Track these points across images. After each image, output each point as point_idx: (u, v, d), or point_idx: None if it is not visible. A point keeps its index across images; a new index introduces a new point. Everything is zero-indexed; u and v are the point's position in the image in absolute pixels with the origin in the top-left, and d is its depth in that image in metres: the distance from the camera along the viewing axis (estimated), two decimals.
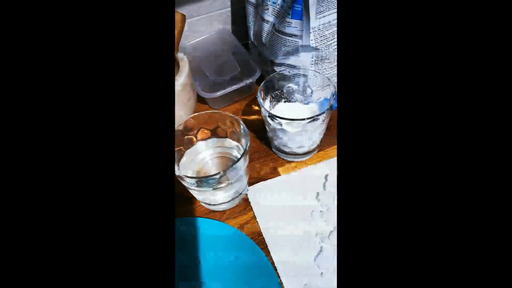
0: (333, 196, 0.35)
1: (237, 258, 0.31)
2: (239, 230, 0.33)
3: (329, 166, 0.38)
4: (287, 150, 0.38)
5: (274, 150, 0.41)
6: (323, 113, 0.33)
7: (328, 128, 0.43)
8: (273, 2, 0.35)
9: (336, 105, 0.44)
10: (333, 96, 0.34)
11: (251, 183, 0.37)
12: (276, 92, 0.39)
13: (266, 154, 0.41)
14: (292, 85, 0.39)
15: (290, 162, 0.40)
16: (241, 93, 0.46)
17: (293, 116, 0.33)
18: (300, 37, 0.35)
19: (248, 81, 0.44)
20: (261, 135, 0.42)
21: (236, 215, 0.36)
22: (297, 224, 0.34)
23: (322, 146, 0.41)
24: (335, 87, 0.35)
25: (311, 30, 0.34)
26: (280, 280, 0.30)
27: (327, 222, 0.34)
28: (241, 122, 0.32)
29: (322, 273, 0.30)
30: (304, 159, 0.39)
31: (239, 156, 0.30)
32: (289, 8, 0.33)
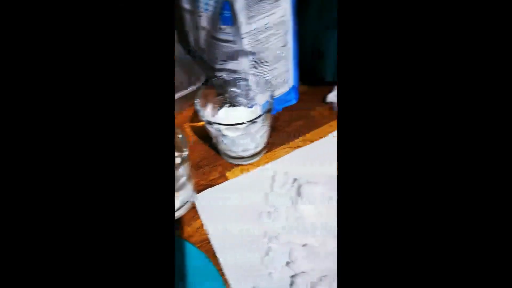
0: (280, 196, 0.36)
1: (181, 265, 0.31)
2: (180, 238, 0.33)
3: (276, 167, 0.39)
4: (232, 154, 0.38)
5: (222, 155, 0.41)
6: (260, 116, 0.33)
7: (275, 129, 0.44)
8: (205, 9, 0.35)
9: (280, 107, 0.45)
10: (271, 98, 0.35)
11: (199, 190, 0.37)
12: (219, 97, 0.39)
13: (214, 160, 0.41)
14: (235, 89, 0.40)
15: (238, 165, 0.40)
16: (187, 100, 0.45)
17: (238, 120, 0.34)
18: (234, 42, 0.36)
19: (193, 88, 0.43)
20: (210, 141, 0.42)
21: (184, 224, 0.35)
22: (245, 227, 0.34)
23: (270, 147, 0.41)
24: (273, 90, 0.36)
25: (245, 35, 0.35)
26: (228, 285, 0.30)
27: (275, 222, 0.34)
28: (178, 131, 0.32)
29: (270, 273, 0.31)
30: (251, 161, 0.40)
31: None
32: (219, 14, 0.34)
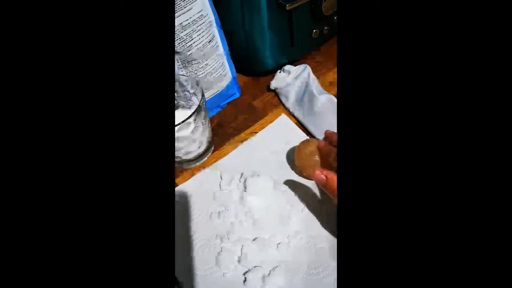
0: (229, 194, 0.35)
1: None
2: None
3: (223, 164, 0.38)
4: (176, 159, 0.37)
5: None
6: (190, 116, 0.32)
7: (221, 126, 0.43)
8: None
9: (225, 102, 0.44)
10: (202, 96, 0.34)
11: None
12: None
13: None
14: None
15: (186, 169, 0.39)
16: None
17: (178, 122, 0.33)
18: None
19: None
20: None
21: None
22: (197, 230, 0.33)
23: (216, 145, 0.40)
24: (202, 88, 0.35)
25: None
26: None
27: (225, 221, 0.33)
28: None
29: (224, 273, 0.30)
30: (199, 163, 0.39)
31: None
32: None
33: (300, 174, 0.36)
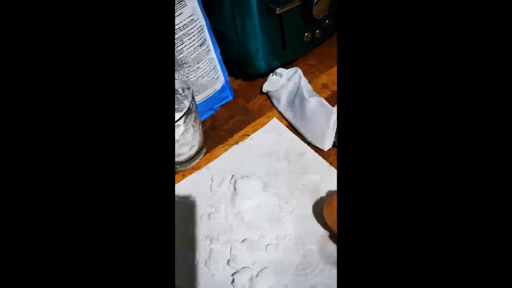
0: (219, 196, 0.35)
1: None
2: None
3: (214, 167, 0.39)
4: None
5: None
6: (179, 119, 0.33)
7: (214, 129, 0.43)
8: None
9: (217, 105, 0.44)
10: (192, 99, 0.35)
11: None
12: None
13: None
14: None
15: (178, 172, 0.39)
16: None
17: None
18: None
19: None
20: None
21: None
22: (187, 231, 0.34)
23: (207, 148, 0.41)
24: (192, 91, 0.35)
25: None
26: None
27: (215, 222, 0.34)
28: None
29: (213, 274, 0.30)
30: (191, 165, 0.39)
31: None
32: None
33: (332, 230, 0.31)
